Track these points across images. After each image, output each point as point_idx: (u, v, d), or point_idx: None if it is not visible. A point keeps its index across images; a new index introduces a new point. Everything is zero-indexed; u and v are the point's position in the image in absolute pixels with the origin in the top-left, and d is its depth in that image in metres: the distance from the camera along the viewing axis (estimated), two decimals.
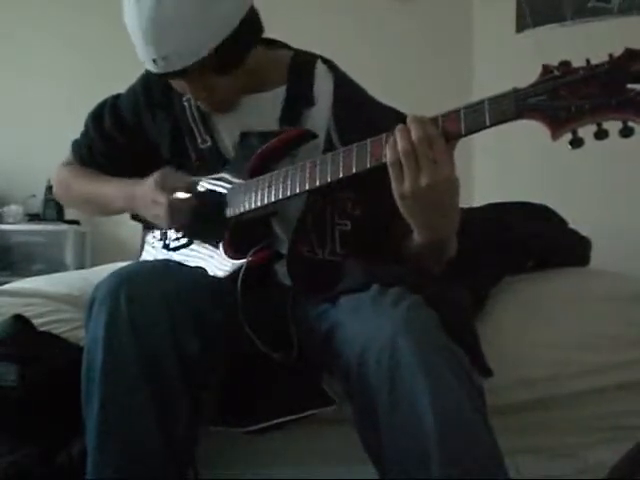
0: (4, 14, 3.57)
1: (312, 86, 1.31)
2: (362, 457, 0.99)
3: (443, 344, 0.96)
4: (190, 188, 1.25)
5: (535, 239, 1.50)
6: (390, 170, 1.03)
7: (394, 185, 1.03)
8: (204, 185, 1.31)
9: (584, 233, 1.58)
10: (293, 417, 1.10)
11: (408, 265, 1.18)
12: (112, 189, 1.38)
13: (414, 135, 1.01)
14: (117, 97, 1.44)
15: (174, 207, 1.22)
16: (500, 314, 1.31)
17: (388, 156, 1.03)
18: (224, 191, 1.27)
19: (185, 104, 1.33)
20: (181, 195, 1.23)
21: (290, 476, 1.21)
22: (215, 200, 1.27)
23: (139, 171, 1.32)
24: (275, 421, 1.10)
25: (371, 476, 0.98)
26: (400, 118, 1.18)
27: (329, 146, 1.24)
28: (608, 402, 1.28)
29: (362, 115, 1.29)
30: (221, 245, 1.24)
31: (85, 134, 1.47)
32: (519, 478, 1.05)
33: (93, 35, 3.46)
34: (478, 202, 1.70)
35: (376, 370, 0.94)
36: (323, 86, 1.32)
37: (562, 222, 1.62)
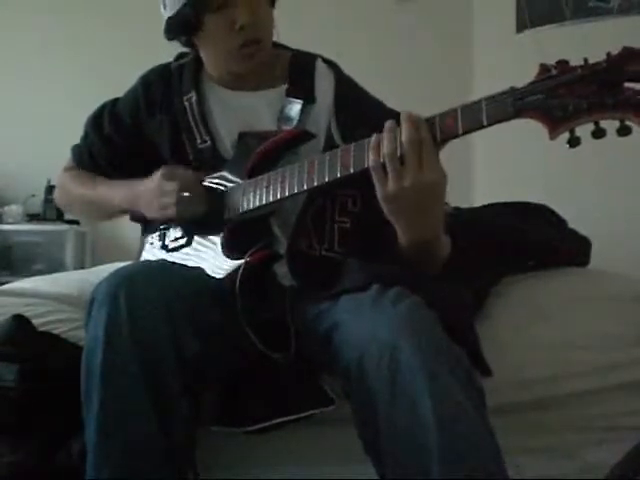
0: (3, 14, 3.57)
1: (313, 84, 1.32)
2: (362, 457, 0.99)
3: (443, 344, 0.96)
4: (197, 179, 1.27)
5: (535, 239, 1.50)
6: (373, 173, 1.03)
7: (377, 188, 1.03)
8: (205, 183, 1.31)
9: (584, 233, 1.58)
10: (293, 417, 1.10)
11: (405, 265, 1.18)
12: (112, 190, 1.38)
13: (405, 136, 1.01)
14: (116, 100, 1.44)
15: (184, 194, 1.23)
16: (500, 314, 1.31)
17: (371, 159, 1.03)
18: (224, 189, 1.27)
19: (186, 104, 1.34)
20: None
21: (290, 476, 1.20)
22: (220, 194, 1.28)
23: (139, 174, 1.32)
24: (275, 421, 1.10)
25: (371, 476, 0.98)
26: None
27: (330, 144, 1.24)
28: (608, 402, 1.27)
29: (364, 113, 1.29)
30: (220, 239, 1.24)
31: (85, 138, 1.47)
32: (519, 478, 1.05)
33: (94, 36, 3.46)
34: (478, 202, 1.70)
35: (376, 370, 0.94)
36: (324, 84, 1.33)
37: (562, 222, 1.61)
